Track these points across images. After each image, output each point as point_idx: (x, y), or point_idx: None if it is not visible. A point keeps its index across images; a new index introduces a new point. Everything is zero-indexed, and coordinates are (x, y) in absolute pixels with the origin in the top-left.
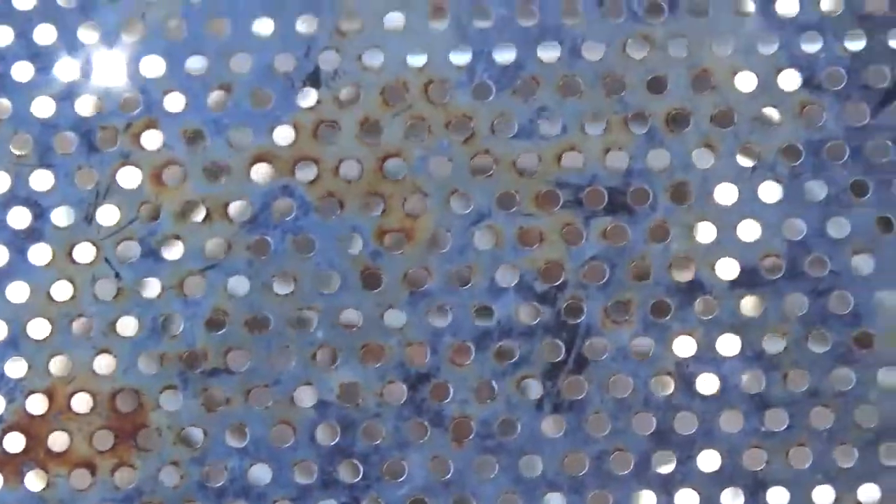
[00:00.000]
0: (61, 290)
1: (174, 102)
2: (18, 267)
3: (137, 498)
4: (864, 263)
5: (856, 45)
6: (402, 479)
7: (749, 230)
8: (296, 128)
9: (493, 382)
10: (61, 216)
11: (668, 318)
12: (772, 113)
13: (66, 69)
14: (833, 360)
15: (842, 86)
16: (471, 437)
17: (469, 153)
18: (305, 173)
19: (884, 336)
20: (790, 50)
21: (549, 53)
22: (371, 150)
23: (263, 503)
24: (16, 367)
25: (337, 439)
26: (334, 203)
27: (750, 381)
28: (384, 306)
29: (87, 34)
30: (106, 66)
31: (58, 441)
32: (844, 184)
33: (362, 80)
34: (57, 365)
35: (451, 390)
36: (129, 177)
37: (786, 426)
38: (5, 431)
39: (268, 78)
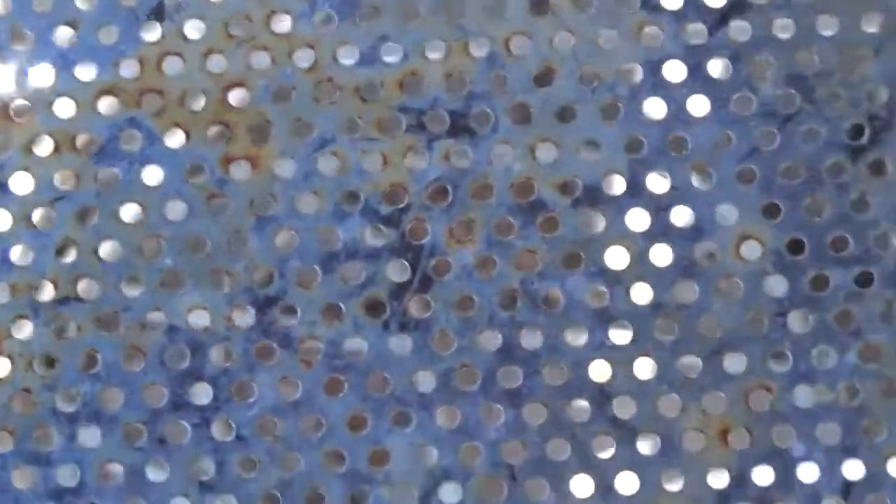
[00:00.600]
0: None
1: (22, 39)
2: None
3: None
4: (703, 179)
5: None
6: (251, 401)
7: (591, 149)
8: (141, 61)
9: (340, 304)
10: None
11: (511, 236)
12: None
13: None
14: (676, 274)
15: (680, 6)
16: (319, 357)
17: (312, 81)
18: (151, 105)
19: (724, 249)
20: None
21: None
22: (215, 80)
23: (115, 427)
24: None
25: (187, 363)
26: (180, 133)
27: (593, 296)
28: (231, 232)
29: None
30: None
31: None
32: (683, 102)
33: (205, 12)
34: None
35: (299, 312)
36: None
37: (630, 339)
38: None
39: (112, 13)
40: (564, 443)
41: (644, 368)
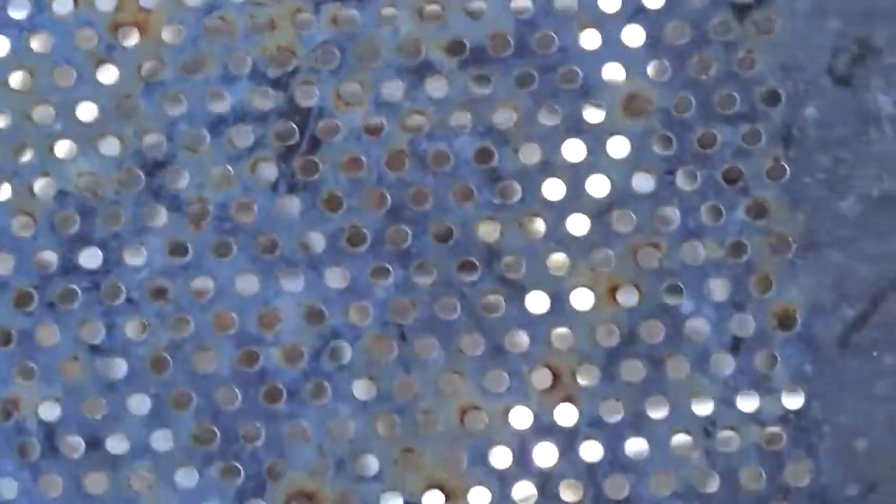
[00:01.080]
0: None
1: None
2: None
3: None
4: (591, 39)
5: None
6: (141, 264)
7: (477, 9)
8: None
9: (229, 167)
10: None
11: (398, 97)
12: None
13: None
14: (564, 132)
15: None
16: (208, 220)
17: None
18: None
19: (611, 108)
20: None
21: None
22: None
23: (5, 291)
24: None
25: (77, 227)
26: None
27: (482, 154)
28: (120, 97)
29: None
30: None
31: None
32: None
33: None
34: None
35: (188, 176)
36: None
37: (519, 198)
38: None
39: None
40: (453, 302)
41: (533, 227)
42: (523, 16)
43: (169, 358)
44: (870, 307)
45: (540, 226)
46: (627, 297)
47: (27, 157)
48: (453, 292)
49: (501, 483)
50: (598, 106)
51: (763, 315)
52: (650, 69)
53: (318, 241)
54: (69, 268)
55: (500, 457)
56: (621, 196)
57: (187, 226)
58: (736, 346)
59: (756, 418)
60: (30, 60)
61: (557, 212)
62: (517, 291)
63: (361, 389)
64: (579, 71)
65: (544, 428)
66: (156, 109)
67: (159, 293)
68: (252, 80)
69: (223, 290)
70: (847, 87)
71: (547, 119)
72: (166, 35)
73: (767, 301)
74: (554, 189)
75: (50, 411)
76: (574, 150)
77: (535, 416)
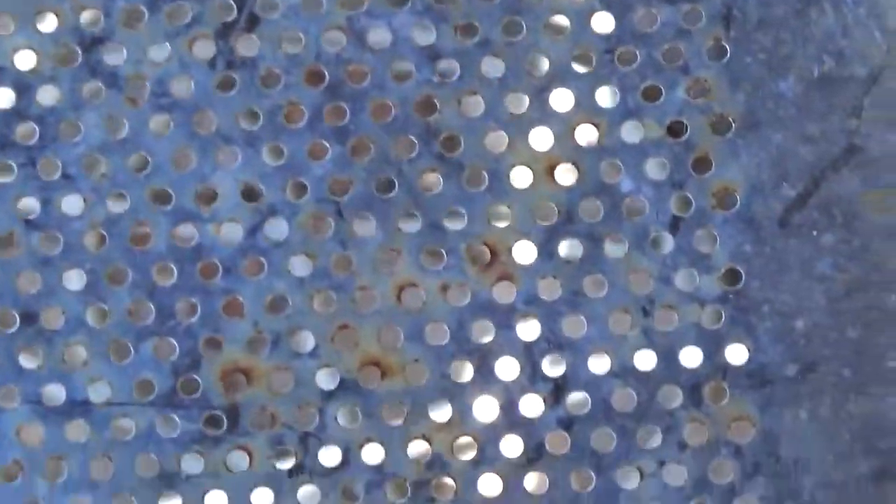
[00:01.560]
0: None
1: None
2: None
3: None
4: None
5: None
6: (78, 139)
7: None
8: None
9: (167, 43)
10: None
11: None
12: None
13: None
14: (503, 11)
15: None
16: (145, 96)
17: None
18: None
19: None
20: None
21: None
22: None
23: None
24: None
25: (13, 103)
26: None
27: (420, 33)
28: None
29: None
30: None
31: None
32: None
33: None
34: None
35: (126, 51)
36: None
37: (457, 76)
38: None
39: None
40: (391, 178)
41: (472, 105)
42: None
43: (105, 233)
44: (810, 187)
45: (479, 103)
46: (566, 177)
47: None
48: (391, 169)
49: (438, 360)
50: None
51: (702, 194)
52: None
53: (255, 118)
54: (5, 143)
55: (437, 334)
56: (561, 74)
57: (124, 101)
58: (675, 225)
59: (695, 297)
60: None
61: (496, 89)
62: (455, 169)
63: (298, 266)
64: None
65: (481, 305)
66: None
67: (96, 169)
68: None
69: (160, 167)
70: None
71: None
72: None
73: (707, 180)
74: (493, 67)
75: None
76: (514, 28)
77: (472, 294)
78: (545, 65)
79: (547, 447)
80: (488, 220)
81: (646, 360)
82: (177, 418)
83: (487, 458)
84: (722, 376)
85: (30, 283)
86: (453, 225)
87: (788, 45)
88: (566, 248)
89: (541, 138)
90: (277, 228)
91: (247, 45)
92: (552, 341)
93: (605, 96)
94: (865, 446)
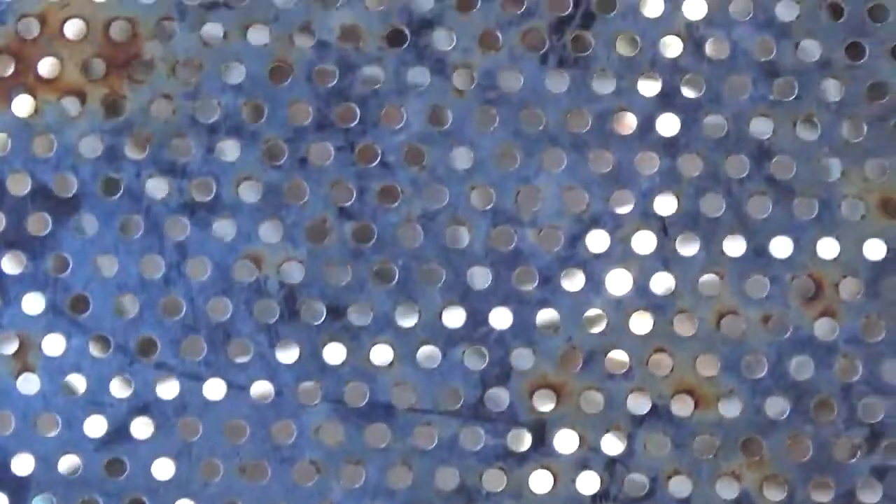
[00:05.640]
0: None
1: None
2: None
3: (127, 129)
4: None
5: None
6: (399, 126)
7: None
8: None
9: (498, 32)
10: None
11: None
12: None
13: None
14: (846, 32)
15: None
16: (472, 86)
17: None
18: None
19: None
20: None
21: None
22: None
23: (256, 142)
24: None
25: (335, 81)
26: None
27: (761, 47)
28: None
29: None
30: None
31: (48, 66)
32: None
33: None
34: None
35: (455, 38)
36: None
37: (794, 96)
38: None
39: None
40: (719, 198)
41: (807, 129)
42: None
43: (421, 228)
44: None
45: (814, 127)
46: None
47: (289, 2)
48: (720, 188)
49: (753, 394)
50: None
51: None
52: None
53: (583, 121)
54: (324, 124)
55: (755, 367)
56: None
57: (450, 91)
58: None
59: None
60: None
61: (833, 114)
62: (786, 195)
63: (617, 281)
64: None
65: (801, 340)
66: None
67: (416, 159)
68: None
69: (482, 162)
70: None
71: (829, 16)
72: None
73: None
74: (832, 89)
75: (293, 273)
76: (857, 51)
77: (794, 328)
78: (886, 91)
79: (857, 495)
80: (815, 250)
81: None
82: (482, 431)
83: (796, 500)
84: None
85: (339, 276)
86: (780, 253)
87: None
88: (893, 287)
89: (876, 169)
90: (599, 240)
91: (581, 43)
92: (872, 384)
93: None
94: None
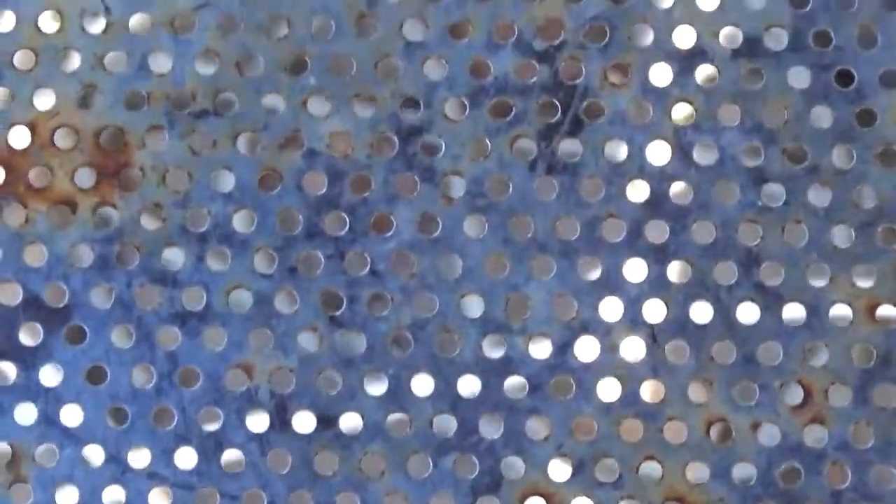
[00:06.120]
0: (49, 22)
1: None
2: None
3: (118, 238)
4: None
5: None
6: (388, 234)
7: None
8: None
9: (487, 140)
10: None
11: (667, 84)
12: None
13: None
14: (834, 137)
15: None
16: (461, 194)
17: None
18: None
19: (885, 114)
20: None
21: None
22: None
23: (246, 251)
24: None
25: (324, 189)
26: None
27: (748, 153)
28: (379, 54)
29: None
30: None
31: (39, 176)
32: None
33: None
34: (41, 98)
35: (443, 145)
36: None
37: (783, 202)
38: None
39: None
40: (707, 305)
41: (795, 233)
42: (801, 9)
43: (410, 337)
44: None
45: (802, 233)
46: (887, 316)
47: (279, 108)
48: (708, 294)
49: (743, 501)
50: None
51: None
52: None
53: (572, 228)
54: (314, 232)
55: (744, 474)
56: (889, 207)
57: (439, 198)
58: None
59: None
60: (287, 6)
61: (821, 220)
62: (774, 300)
63: (606, 389)
64: (854, 73)
65: (790, 447)
66: (415, 72)
67: (406, 267)
68: (517, 51)
69: (471, 270)
70: None
71: (818, 121)
72: None
73: None
74: (819, 195)
75: (284, 382)
76: (843, 156)
77: (783, 434)
78: (873, 197)
79: None
80: (804, 357)
81: None
82: None
83: None
84: None
85: (329, 384)
86: (768, 359)
87: None
88: (882, 394)
89: (864, 275)
90: (588, 347)
91: (569, 150)
92: (861, 491)
93: None
94: None
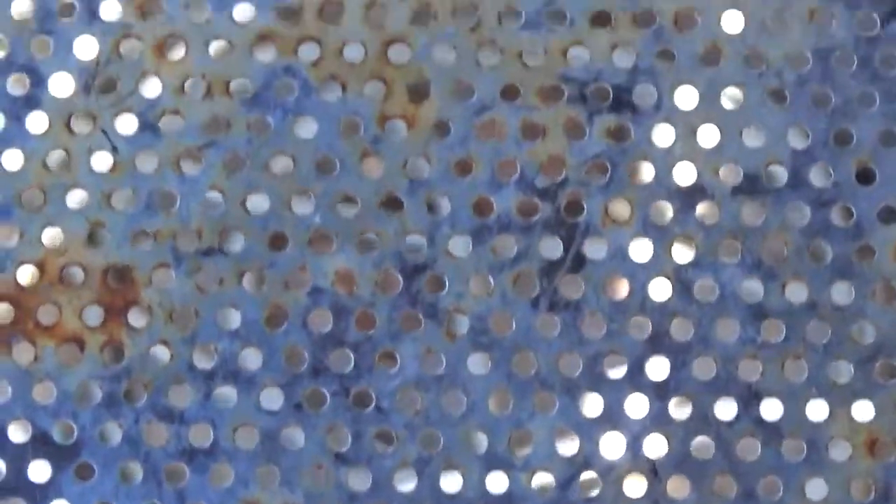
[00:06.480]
0: (57, 160)
1: None
2: (14, 134)
3: (126, 376)
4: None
5: None
6: (393, 371)
7: (753, 136)
8: (301, 7)
9: (490, 277)
10: (60, 85)
11: (668, 221)
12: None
13: None
14: (833, 274)
15: None
16: (465, 331)
17: (475, 42)
18: (309, 54)
19: (884, 250)
20: None
21: None
22: (376, 33)
23: (253, 388)
24: (8, 237)
25: (330, 326)
26: (336, 86)
27: (748, 289)
28: (383, 193)
29: None
30: None
31: (47, 314)
32: (851, 93)
33: None
34: (49, 236)
35: (447, 282)
36: (130, 48)
37: (782, 338)
38: None
39: None
40: (708, 440)
41: (795, 370)
42: (800, 146)
43: (416, 473)
44: None
45: (802, 369)
46: (887, 453)
47: (284, 247)
48: (709, 430)
49: None
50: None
51: None
52: None
53: (575, 365)
54: (319, 369)
55: None
56: (889, 343)
57: (443, 335)
58: None
59: None
60: (292, 145)
61: (821, 355)
62: (774, 436)
63: None
64: (853, 210)
65: None
66: (418, 209)
67: (410, 404)
68: (520, 188)
69: (476, 406)
70: None
71: (815, 258)
72: (435, 132)
73: None
74: (818, 331)
75: None
76: (842, 292)
77: None
78: (872, 333)
79: None
80: (804, 492)
81: None
82: None
83: None
84: None
85: None
86: (769, 495)
87: None
88: None
89: (863, 410)
90: (591, 483)
91: (571, 287)
92: None
93: None
94: None
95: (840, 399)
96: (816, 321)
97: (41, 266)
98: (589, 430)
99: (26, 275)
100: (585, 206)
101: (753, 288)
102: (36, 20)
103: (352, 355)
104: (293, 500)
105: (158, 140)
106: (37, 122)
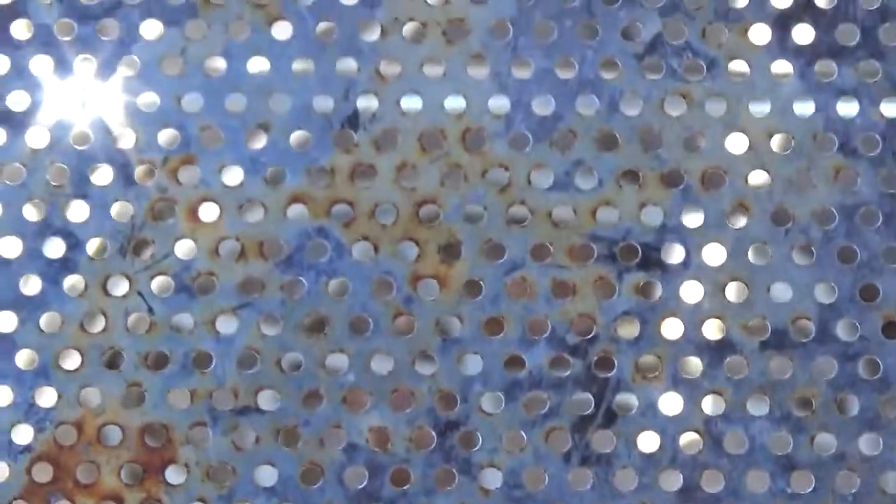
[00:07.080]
0: (94, 322)
1: (212, 139)
2: (52, 297)
3: None
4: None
5: (892, 110)
6: None
7: (780, 291)
8: (333, 170)
9: (522, 433)
10: (96, 248)
11: (697, 375)
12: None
13: (104, 102)
14: (861, 425)
15: (877, 151)
16: (498, 486)
17: (505, 203)
18: (341, 216)
19: None
20: (826, 113)
21: (587, 107)
22: (407, 194)
23: None
24: (46, 397)
25: (365, 483)
26: (369, 246)
27: (777, 441)
28: (416, 352)
29: (126, 69)
30: (145, 101)
31: (86, 473)
32: (877, 249)
33: (400, 124)
34: (87, 396)
35: (480, 439)
36: (165, 211)
37: (811, 488)
38: (34, 461)
39: (306, 118)
40: None
41: None
42: (827, 301)
43: None
44: None
45: None
46: None
47: (319, 406)
48: None
49: None
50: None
51: None
52: None
53: None
54: None
55: None
56: None
57: (477, 490)
58: None
59: None
60: (326, 305)
61: None
62: None
63: None
64: (880, 362)
65: None
66: (451, 367)
67: None
68: (550, 346)
69: None
70: None
71: (845, 409)
72: (467, 291)
73: None
74: (847, 482)
75: None
76: (870, 443)
77: None
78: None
79: None
80: None
81: None
82: None
83: None
84: None
85: None
86: None
87: None
88: None
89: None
90: None
91: (602, 441)
92: None
93: None
94: None
95: None
96: (845, 472)
97: (79, 425)
98: None
99: (65, 435)
100: (616, 362)
101: (783, 440)
102: (71, 184)
103: None
104: None
105: (194, 301)
106: (73, 284)
